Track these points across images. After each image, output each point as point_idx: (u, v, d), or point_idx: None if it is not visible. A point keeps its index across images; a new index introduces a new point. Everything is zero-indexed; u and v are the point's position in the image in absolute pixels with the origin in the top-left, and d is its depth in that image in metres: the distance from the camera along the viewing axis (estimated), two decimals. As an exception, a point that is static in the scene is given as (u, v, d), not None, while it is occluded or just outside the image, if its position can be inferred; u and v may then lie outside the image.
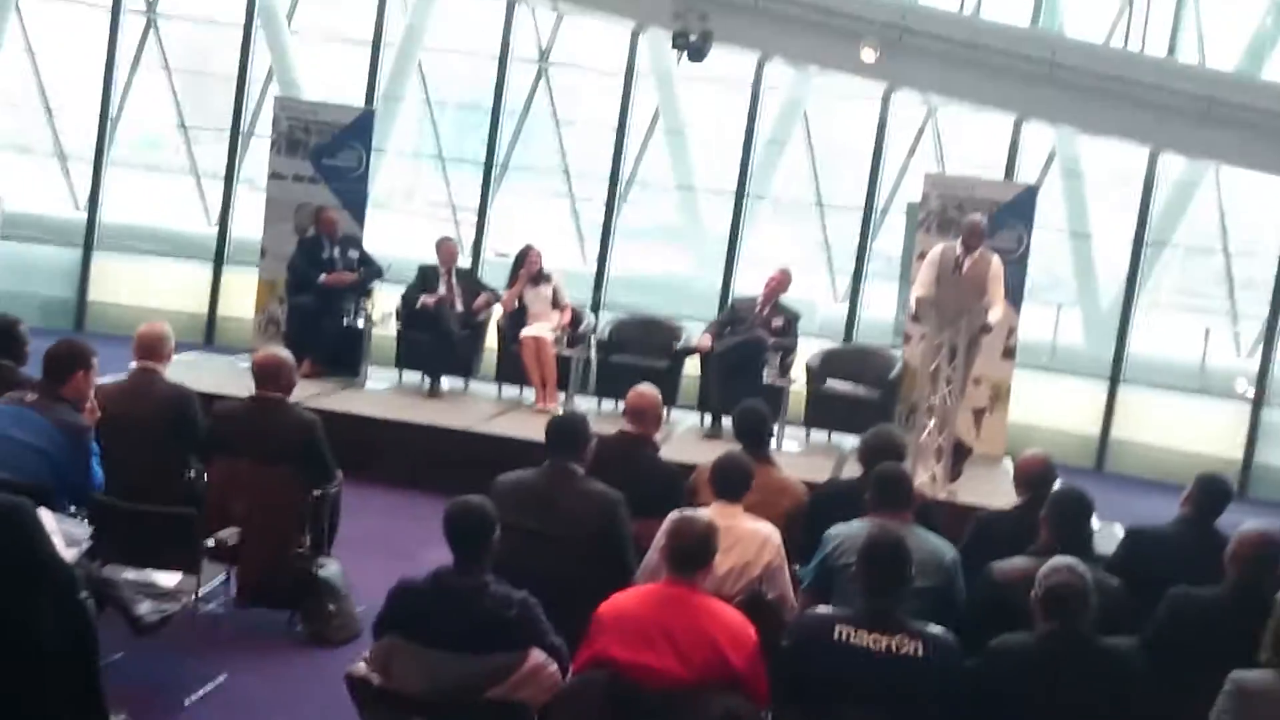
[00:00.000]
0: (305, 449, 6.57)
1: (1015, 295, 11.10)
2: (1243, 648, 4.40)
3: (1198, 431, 13.08)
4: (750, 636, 4.59)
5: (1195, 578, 5.28)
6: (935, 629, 4.51)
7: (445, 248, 11.46)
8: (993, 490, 9.04)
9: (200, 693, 5.92)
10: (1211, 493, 6.10)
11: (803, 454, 10.46)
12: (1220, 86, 12.04)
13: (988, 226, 10.02)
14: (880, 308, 14.11)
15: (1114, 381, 13.30)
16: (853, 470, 7.27)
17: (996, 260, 9.64)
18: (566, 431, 5.88)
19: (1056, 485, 6.16)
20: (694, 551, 4.69)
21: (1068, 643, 4.46)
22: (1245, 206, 14.55)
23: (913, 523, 5.49)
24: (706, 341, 10.94)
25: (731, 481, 5.63)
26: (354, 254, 11.60)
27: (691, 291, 15.43)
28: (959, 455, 9.53)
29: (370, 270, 11.60)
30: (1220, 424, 13.15)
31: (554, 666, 4.60)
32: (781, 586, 5.50)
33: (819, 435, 11.11)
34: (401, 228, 15.91)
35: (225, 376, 10.15)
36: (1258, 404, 12.99)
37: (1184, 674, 4.68)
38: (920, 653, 4.40)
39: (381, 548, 7.77)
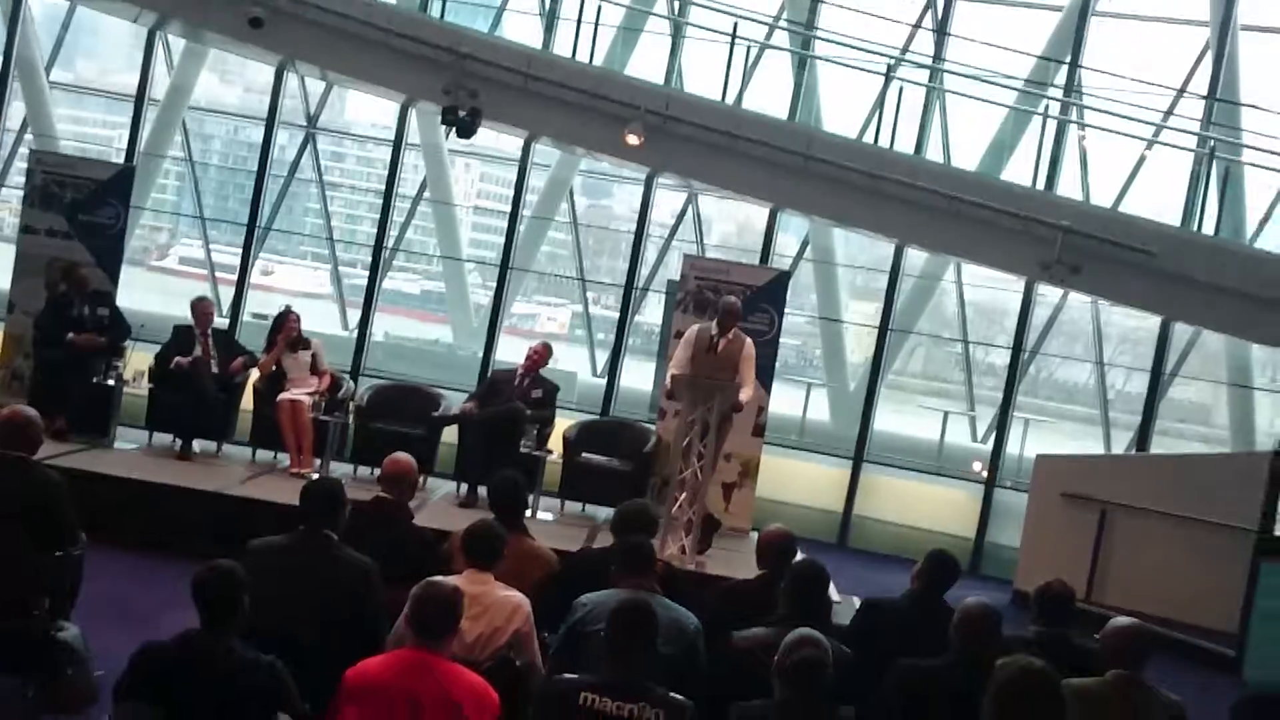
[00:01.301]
0: (46, 508, 6.37)
1: (766, 375, 11.43)
2: (964, 713, 4.63)
3: (935, 510, 13.64)
4: (493, 701, 4.65)
5: (923, 648, 5.53)
6: (676, 696, 4.63)
7: (201, 308, 11.26)
8: (740, 562, 9.28)
9: (-76, 762, 5.68)
10: (940, 568, 6.41)
11: (557, 523, 10.55)
12: (963, 185, 12.66)
13: (741, 308, 10.33)
14: (639, 381, 14.38)
15: (858, 460, 13.79)
16: (606, 540, 7.40)
17: (749, 342, 9.94)
18: (322, 497, 5.87)
19: (797, 558, 6.38)
20: (439, 617, 4.73)
21: (804, 711, 4.61)
22: (984, 299, 15.33)
23: (657, 591, 5.64)
24: (470, 408, 10.98)
25: (483, 549, 5.68)
26: (104, 312, 11.32)
27: (454, 360, 15.50)
28: (709, 528, 9.77)
29: (120, 330, 11.32)
30: (955, 503, 13.74)
31: (300, 733, 4.58)
32: (531, 653, 5.56)
33: (574, 505, 11.22)
34: (157, 286, 15.59)
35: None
36: (990, 485, 13.62)
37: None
38: (660, 719, 4.51)
39: (124, 612, 7.57)
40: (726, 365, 9.72)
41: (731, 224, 16.31)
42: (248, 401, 11.48)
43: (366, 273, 14.22)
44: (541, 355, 11.13)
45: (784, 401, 13.96)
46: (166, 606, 6.21)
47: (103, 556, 7.39)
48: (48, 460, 7.91)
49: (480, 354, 14.02)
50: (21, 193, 12.49)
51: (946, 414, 15.41)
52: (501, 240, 14.16)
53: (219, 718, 4.45)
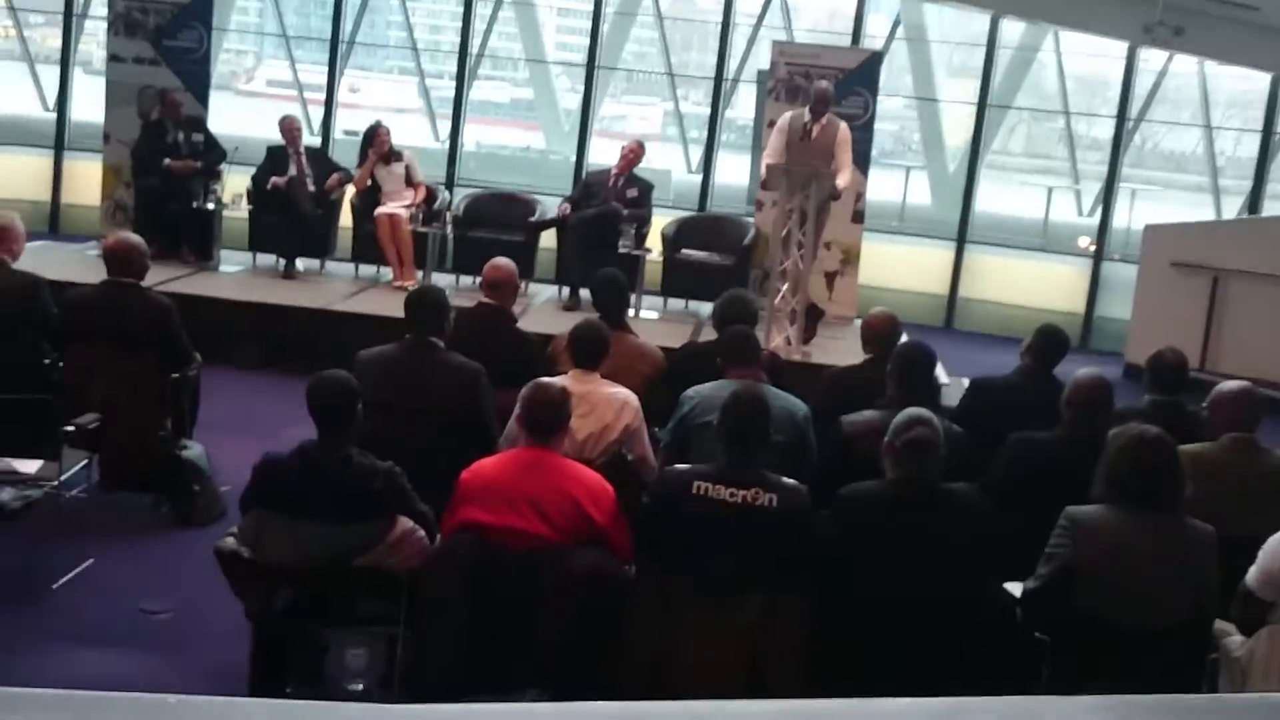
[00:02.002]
0: (161, 333, 6.53)
1: (862, 160, 11.28)
2: (1076, 486, 4.63)
3: (1041, 287, 13.47)
4: (608, 493, 4.74)
5: (1034, 423, 5.53)
6: (788, 481, 4.68)
7: (287, 125, 11.26)
8: (845, 349, 9.25)
9: (68, 576, 5.92)
10: (1050, 343, 6.37)
11: (660, 321, 10.60)
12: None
13: (834, 93, 10.14)
14: (734, 176, 14.25)
15: (961, 242, 13.61)
16: (709, 335, 7.42)
17: (844, 127, 9.78)
18: (426, 305, 5.93)
19: (902, 340, 6.36)
20: (549, 416, 4.81)
21: (916, 488, 4.63)
22: (1085, 69, 14.90)
23: (765, 381, 5.66)
24: (566, 209, 10.97)
25: (588, 349, 5.73)
26: (198, 137, 11.38)
27: (546, 166, 15.45)
28: (812, 317, 9.75)
29: (215, 154, 11.39)
30: (1063, 280, 13.56)
31: (421, 533, 4.71)
32: (641, 447, 5.64)
33: (676, 303, 11.24)
34: (246, 109, 15.63)
35: (73, 264, 9.96)
36: (1097, 259, 13.41)
37: (1024, 513, 4.91)
38: (774, 503, 4.57)
39: (243, 429, 7.76)
40: (822, 152, 9.59)
41: (820, 8, 15.91)
42: (346, 219, 11.55)
43: (453, 83, 14.12)
44: (635, 153, 11.04)
45: (883, 187, 13.78)
46: (284, 421, 6.37)
47: (218, 377, 7.59)
48: (156, 286, 8.08)
49: (572, 158, 13.94)
50: (105, 23, 12.48)
51: (1050, 190, 15.12)
52: (586, 40, 13.97)
53: (341, 523, 4.58)
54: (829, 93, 9.90)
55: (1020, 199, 15.48)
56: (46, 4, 14.44)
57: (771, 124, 10.55)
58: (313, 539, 4.56)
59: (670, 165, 14.95)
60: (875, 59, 11.98)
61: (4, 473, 5.72)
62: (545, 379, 5.16)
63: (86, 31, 14.45)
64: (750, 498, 4.56)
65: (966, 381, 7.11)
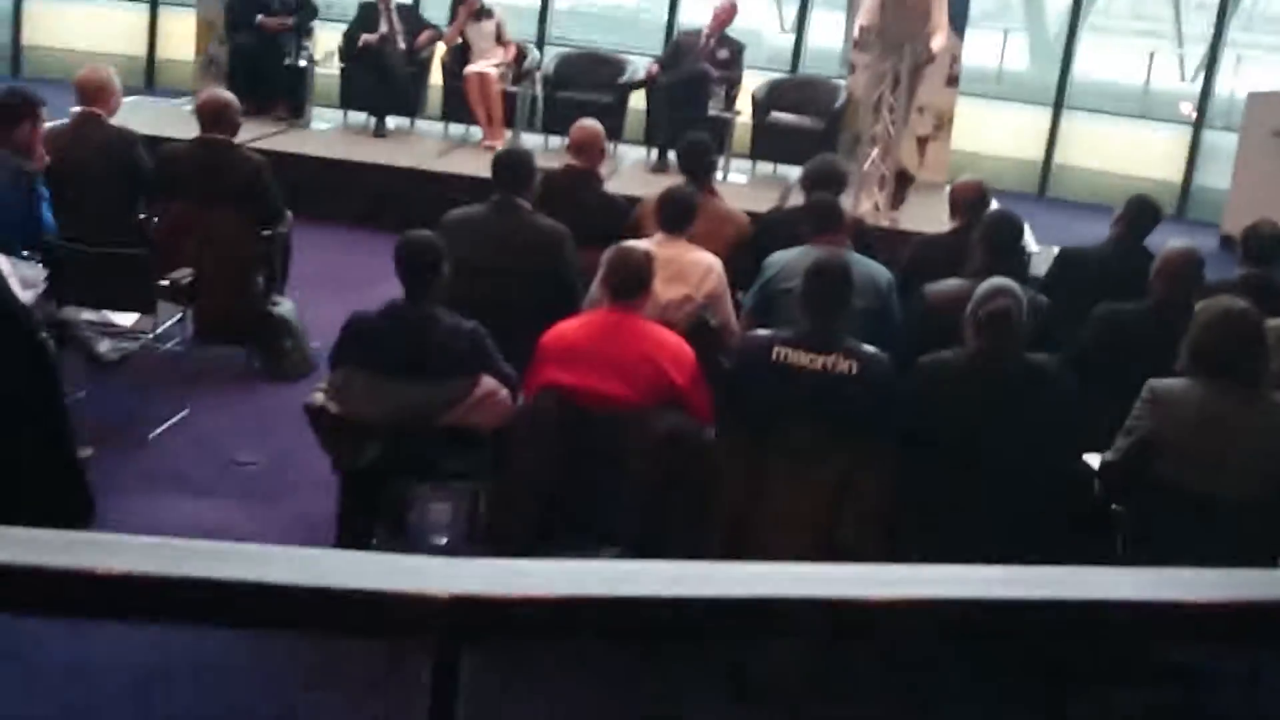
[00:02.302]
0: (254, 189, 6.62)
1: (959, 22, 11.05)
2: (1163, 358, 4.60)
3: (1139, 154, 13.20)
4: (689, 356, 4.78)
5: (1123, 294, 5.48)
6: (870, 348, 4.69)
7: (381, -18, 11.28)
8: (935, 217, 9.16)
9: (164, 426, 6.10)
10: (1141, 213, 6.28)
11: (749, 185, 10.53)
12: None
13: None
14: (827, 37, 14.02)
15: (1058, 107, 13.34)
16: (797, 200, 7.38)
17: (939, -15, 9.60)
18: (512, 167, 5.96)
19: (991, 208, 6.31)
20: (631, 280, 4.84)
21: (997, 359, 4.62)
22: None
23: (849, 247, 5.65)
24: (654, 70, 10.89)
25: (674, 213, 5.73)
26: (288, -6, 11.42)
27: (637, 25, 15.27)
28: (902, 183, 9.66)
29: (307, 10, 11.39)
30: (1161, 147, 13.28)
31: (505, 392, 4.78)
32: (724, 313, 5.66)
33: (765, 167, 11.16)
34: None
35: (168, 120, 10.07)
36: (1198, 127, 13.11)
37: (1109, 384, 4.90)
38: (854, 370, 4.58)
39: (333, 285, 7.88)
40: (918, 13, 9.41)
41: None
42: (436, 77, 11.55)
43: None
44: (728, 13, 10.89)
45: (980, 50, 13.52)
46: (373, 279, 6.44)
47: (308, 234, 7.69)
48: (248, 143, 8.16)
49: (665, 17, 13.78)
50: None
51: (1153, 54, 14.75)
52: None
53: (426, 381, 4.67)
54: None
55: (1122, 63, 15.11)
56: None
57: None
58: (399, 395, 4.66)
59: (762, 25, 14.74)
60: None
61: (102, 324, 5.87)
62: (629, 242, 5.19)
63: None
64: (830, 364, 4.58)
65: (1057, 250, 7.04)
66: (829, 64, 13.46)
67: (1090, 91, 13.62)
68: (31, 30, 14.10)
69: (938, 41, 9.32)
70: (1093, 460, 4.62)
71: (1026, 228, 8.11)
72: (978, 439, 4.51)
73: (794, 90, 11.62)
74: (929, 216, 9.31)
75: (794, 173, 10.52)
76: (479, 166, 8.23)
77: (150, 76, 14.01)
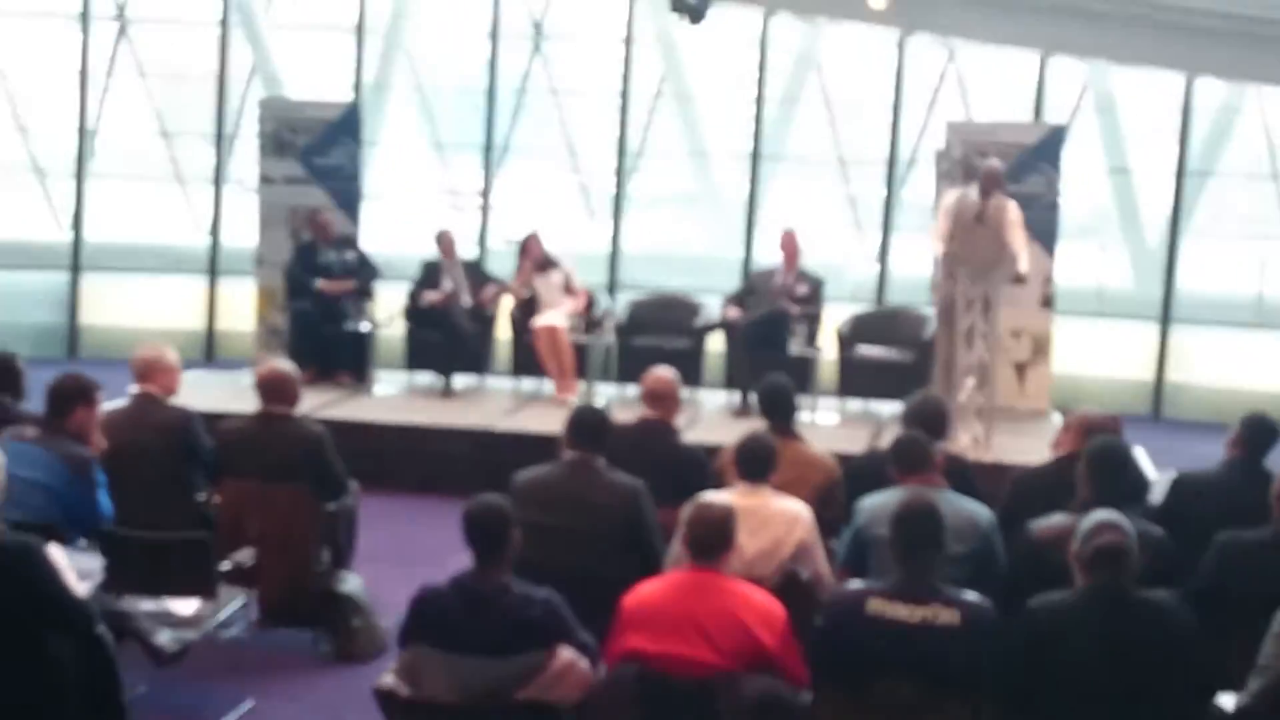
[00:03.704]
0: (315, 463, 6.77)
1: (1048, 239, 11.31)
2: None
3: (1259, 368, 13.16)
4: (780, 616, 4.79)
5: (1244, 521, 5.44)
6: (971, 596, 4.69)
7: (444, 239, 11.68)
8: (1038, 448, 9.18)
9: (228, 720, 6.15)
10: (1257, 432, 6.27)
11: (839, 425, 10.64)
12: (1255, 3, 12.11)
13: (1010, 171, 10.18)
14: (916, 264, 14.23)
15: (1165, 322, 13.40)
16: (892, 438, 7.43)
17: (1013, 206, 9.77)
18: (586, 424, 6.08)
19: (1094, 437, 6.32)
20: (713, 536, 4.89)
21: (1111, 598, 4.59)
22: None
23: (943, 486, 5.68)
24: (732, 314, 11.12)
25: (754, 461, 5.80)
26: (351, 255, 11.82)
27: (711, 264, 15.58)
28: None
29: (368, 271, 11.80)
30: (1281, 359, 13.26)
31: (584, 663, 4.81)
32: (816, 564, 5.68)
33: (854, 404, 11.28)
34: (401, 221, 16.10)
35: (229, 394, 10.35)
36: (1321, 333, 13.11)
37: (1234, 621, 4.84)
38: (956, 621, 4.57)
39: (403, 558, 7.98)
40: (991, 235, 9.63)
41: (998, 82, 15.91)
42: (504, 332, 11.85)
43: (614, 179, 14.42)
44: (792, 243, 11.17)
45: (1074, 266, 13.65)
46: (444, 548, 6.52)
47: (376, 504, 7.82)
48: (310, 413, 8.38)
49: (741, 254, 14.11)
50: (256, 142, 13.05)
51: (1264, 260, 14.80)
52: (751, 128, 14.19)
53: (500, 656, 4.70)
54: (999, 171, 9.87)
55: (1230, 269, 15.16)
56: (198, 126, 15.10)
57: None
58: (472, 673, 4.69)
59: (844, 256, 15.00)
60: (1057, 134, 11.96)
61: (161, 614, 5.96)
62: (709, 495, 5.25)
63: (236, 153, 15.06)
64: (930, 616, 4.57)
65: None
66: (917, 292, 13.64)
67: (1199, 302, 13.67)
68: (88, 309, 14.67)
69: (1024, 262, 9.49)
70: (1226, 701, 4.54)
71: (1141, 453, 8.12)
72: (1094, 686, 4.46)
73: (880, 322, 11.82)
74: (1031, 448, 9.31)
75: (885, 409, 10.64)
76: (552, 422, 8.39)
77: (210, 349, 14.49)
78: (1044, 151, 11.60)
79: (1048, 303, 11.57)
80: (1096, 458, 5.72)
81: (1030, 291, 10.78)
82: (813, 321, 10.94)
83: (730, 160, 15.70)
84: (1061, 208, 11.71)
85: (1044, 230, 11.11)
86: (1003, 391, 10.56)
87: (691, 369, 10.79)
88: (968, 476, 6.39)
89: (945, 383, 9.67)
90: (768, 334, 10.68)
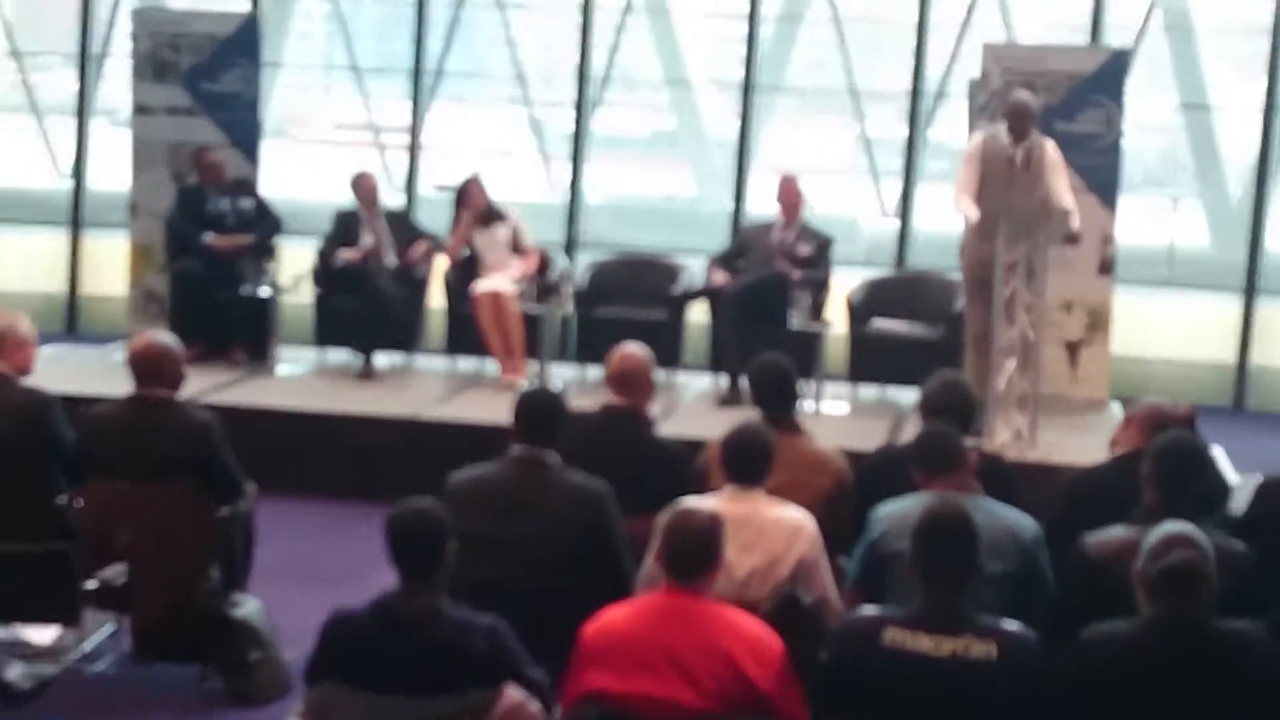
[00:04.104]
0: (202, 459, 6.72)
1: (1107, 191, 11.36)
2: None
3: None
4: (776, 649, 4.79)
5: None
6: (1011, 625, 4.70)
7: (364, 185, 11.64)
8: (1094, 445, 9.19)
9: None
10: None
11: (850, 416, 10.68)
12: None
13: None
14: (943, 219, 14.23)
15: (1250, 293, 13.43)
16: (913, 431, 7.45)
17: (1051, 146, 9.86)
18: (536, 411, 6.06)
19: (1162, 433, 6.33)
20: (694, 552, 4.88)
21: (1182, 630, 4.59)
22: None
23: (977, 491, 5.68)
24: (719, 279, 11.10)
25: (747, 460, 5.79)
26: (248, 204, 11.75)
27: (693, 217, 15.57)
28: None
29: (268, 223, 11.75)
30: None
31: (535, 706, 4.79)
32: (820, 586, 5.68)
33: (868, 391, 11.32)
34: (309, 161, 16.06)
35: (95, 372, 10.31)
36: None
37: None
38: (993, 655, 4.58)
39: (312, 576, 7.96)
40: (1028, 183, 9.66)
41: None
42: (437, 299, 11.81)
43: (573, 114, 14.39)
44: (792, 192, 11.16)
45: (1140, 225, 13.70)
46: (362, 564, 6.52)
47: (278, 510, 7.80)
48: (196, 398, 8.34)
49: (730, 206, 14.10)
50: (129, 64, 12.94)
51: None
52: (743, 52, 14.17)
53: (431, 695, 4.69)
54: (1030, 106, 9.92)
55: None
56: (55, 40, 15.00)
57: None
58: (396, 716, 4.68)
59: (857, 210, 15.02)
60: (1119, 61, 11.97)
61: (13, 644, 5.93)
62: (692, 502, 5.25)
63: (106, 74, 14.96)
64: (961, 649, 4.58)
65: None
66: (945, 254, 13.65)
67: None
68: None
69: (1075, 218, 9.54)
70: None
71: (1219, 452, 8.15)
72: (1163, 737, 4.48)
73: (901, 290, 11.85)
74: (1085, 445, 9.33)
75: (906, 397, 10.66)
76: (496, 411, 8.37)
77: (72, 319, 14.39)
78: (1103, 82, 11.60)
79: (1106, 268, 11.58)
80: (1165, 458, 5.72)
81: (1085, 254, 10.80)
82: (818, 289, 10.93)
83: (716, 92, 15.72)
84: (1124, 152, 11.73)
85: (1103, 179, 11.16)
86: (1050, 376, 10.57)
87: (668, 346, 10.78)
88: (1008, 479, 6.40)
89: (979, 365, 9.70)
90: (763, 304, 10.67)
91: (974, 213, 9.59)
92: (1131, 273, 12.46)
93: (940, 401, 6.60)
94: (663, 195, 17.21)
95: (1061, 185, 9.71)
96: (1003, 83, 11.67)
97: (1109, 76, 11.71)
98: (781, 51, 14.99)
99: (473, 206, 11.30)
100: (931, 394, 6.72)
